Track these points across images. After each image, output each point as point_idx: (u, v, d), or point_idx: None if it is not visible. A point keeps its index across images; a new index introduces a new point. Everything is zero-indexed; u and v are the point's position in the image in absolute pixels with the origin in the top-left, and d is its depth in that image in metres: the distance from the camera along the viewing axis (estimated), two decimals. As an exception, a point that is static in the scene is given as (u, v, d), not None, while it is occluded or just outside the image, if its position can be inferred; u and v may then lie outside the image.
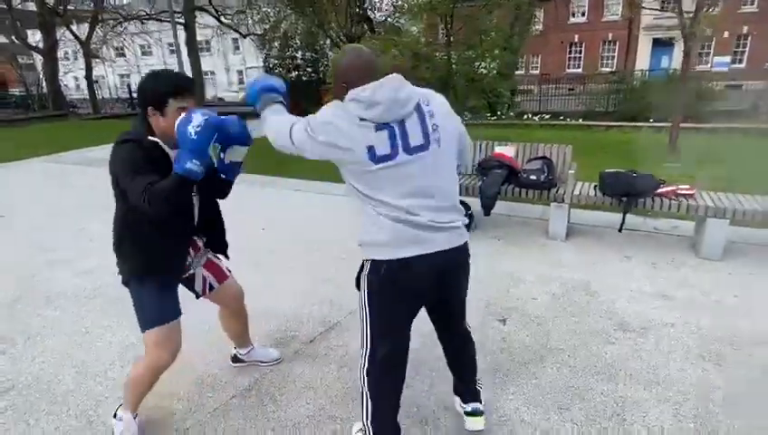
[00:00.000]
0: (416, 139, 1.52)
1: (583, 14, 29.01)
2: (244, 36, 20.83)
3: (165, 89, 1.67)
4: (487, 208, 4.20)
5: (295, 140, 1.59)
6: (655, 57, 27.70)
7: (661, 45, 27.87)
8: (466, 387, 2.00)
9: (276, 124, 1.69)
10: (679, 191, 3.78)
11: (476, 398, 1.98)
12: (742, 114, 13.00)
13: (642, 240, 4.07)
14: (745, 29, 26.19)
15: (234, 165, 1.89)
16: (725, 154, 7.58)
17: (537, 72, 27.12)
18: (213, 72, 37.01)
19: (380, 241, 1.56)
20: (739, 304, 2.98)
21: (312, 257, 3.87)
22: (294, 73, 16.73)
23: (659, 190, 3.80)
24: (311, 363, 2.52)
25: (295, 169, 6.39)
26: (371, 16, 13.78)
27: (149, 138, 1.70)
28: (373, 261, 1.61)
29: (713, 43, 27.43)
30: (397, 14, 14.15)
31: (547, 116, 13.89)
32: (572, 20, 28.89)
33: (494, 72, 13.34)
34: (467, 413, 1.98)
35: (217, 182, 1.91)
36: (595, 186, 4.13)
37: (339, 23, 10.00)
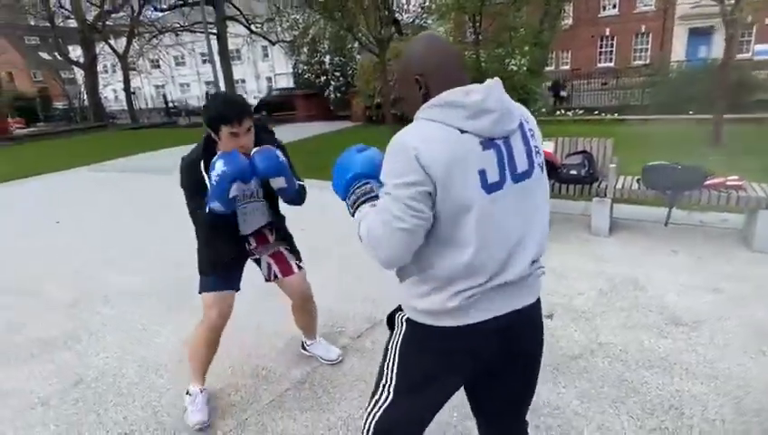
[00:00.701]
0: (522, 163, 1.14)
1: (614, 6, 28.32)
2: (274, 43, 21.22)
3: (216, 117, 1.81)
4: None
5: (395, 232, 1.09)
6: (692, 47, 26.75)
7: (699, 34, 26.86)
8: None
9: (371, 228, 1.14)
10: (728, 183, 3.66)
11: None
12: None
13: (689, 234, 3.95)
14: (787, 15, 24.96)
15: (280, 190, 1.98)
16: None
17: (567, 67, 26.65)
18: (243, 80, 37.93)
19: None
20: None
21: (352, 257, 3.93)
22: (323, 78, 16.94)
23: (708, 182, 3.69)
24: (359, 358, 2.57)
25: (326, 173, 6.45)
26: (399, 18, 13.84)
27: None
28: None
29: (753, 30, 26.30)
30: (424, 15, 14.18)
31: (580, 111, 13.59)
32: (603, 13, 28.23)
33: (525, 68, 13.19)
34: None
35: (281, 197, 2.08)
36: (638, 179, 4.04)
37: (368, 25, 10.07)
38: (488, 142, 1.08)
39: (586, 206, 4.50)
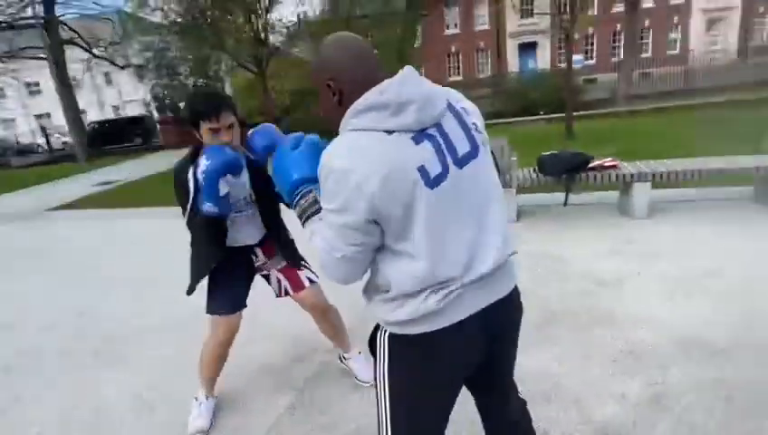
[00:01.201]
0: (462, 145, 1.07)
1: (456, 26, 31.40)
2: (123, 68, 19.35)
3: (194, 113, 1.76)
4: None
5: (335, 260, 1.08)
6: (522, 59, 30.84)
7: (526, 49, 31.12)
8: None
9: (320, 251, 1.11)
10: (606, 164, 4.34)
11: None
12: (607, 102, 15.07)
13: (583, 211, 4.58)
14: (591, 30, 30.27)
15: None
16: (611, 134, 8.78)
17: (424, 81, 28.80)
18: (84, 111, 33.73)
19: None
20: (678, 249, 3.51)
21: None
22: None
23: (591, 165, 4.33)
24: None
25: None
26: (269, 40, 13.74)
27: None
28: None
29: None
30: (293, 40, 14.24)
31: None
32: (448, 31, 31.13)
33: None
34: None
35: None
36: (534, 169, 4.58)
37: (241, 43, 9.82)
38: (420, 135, 1.02)
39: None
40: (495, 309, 1.14)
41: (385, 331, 1.17)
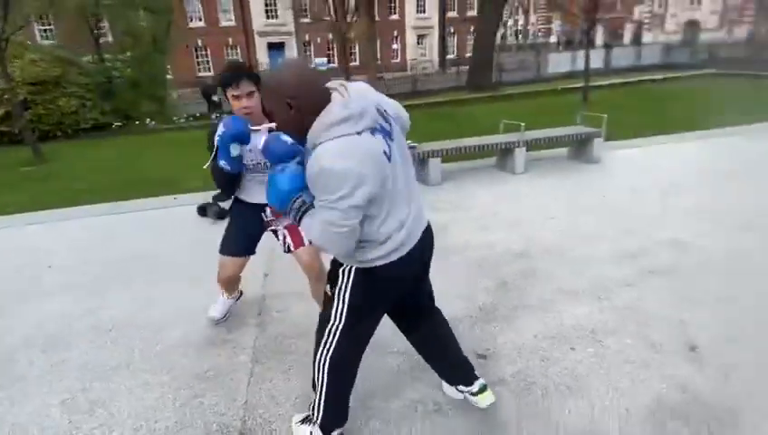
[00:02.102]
0: (385, 125, 1.49)
1: (201, 19, 30.03)
2: None
3: (221, 80, 2.08)
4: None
5: (340, 235, 1.42)
6: (272, 59, 31.77)
7: (275, 48, 32.15)
8: (465, 368, 1.99)
9: (320, 234, 1.46)
10: (408, 146, 5.50)
11: (475, 374, 2.00)
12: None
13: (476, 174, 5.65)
14: (330, 36, 33.35)
15: None
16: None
17: (170, 77, 26.68)
18: None
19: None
20: (554, 191, 4.89)
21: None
22: None
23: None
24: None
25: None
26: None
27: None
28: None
29: (311, 46, 33.59)
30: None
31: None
32: (192, 24, 29.48)
33: (155, 75, 12.89)
34: (477, 392, 1.96)
35: None
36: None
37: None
38: (373, 130, 1.42)
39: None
40: (424, 237, 1.65)
41: (348, 265, 1.61)
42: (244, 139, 2.04)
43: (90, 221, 4.89)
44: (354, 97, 1.41)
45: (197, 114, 14.64)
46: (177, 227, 4.58)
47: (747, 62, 21.49)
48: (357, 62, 33.48)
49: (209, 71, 30.38)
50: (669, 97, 12.43)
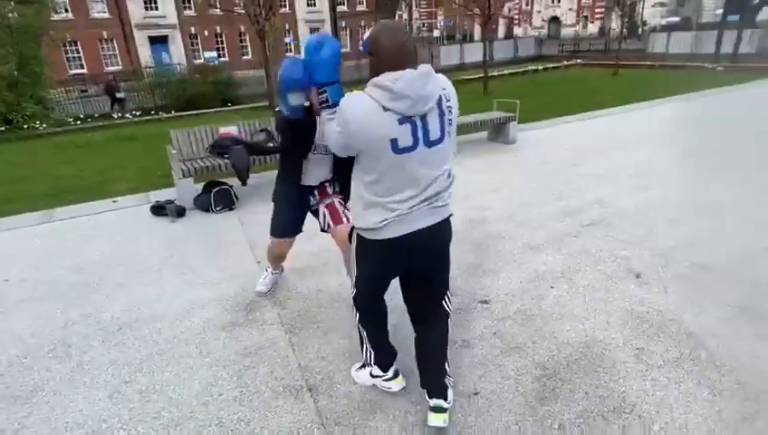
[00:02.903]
0: (435, 133, 1.59)
1: (67, 10, 26.89)
2: None
3: None
4: (243, 180, 4.90)
5: (339, 145, 1.66)
6: (155, 53, 29.48)
7: (157, 42, 29.87)
8: (436, 382, 1.95)
9: (329, 130, 1.72)
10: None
11: (439, 394, 1.93)
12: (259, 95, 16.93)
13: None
14: (218, 28, 31.82)
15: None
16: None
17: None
18: None
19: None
20: (487, 168, 5.32)
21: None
22: None
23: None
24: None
25: None
26: None
27: None
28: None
29: (198, 39, 31.80)
30: None
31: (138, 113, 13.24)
32: (56, 16, 26.22)
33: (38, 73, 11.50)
34: (431, 408, 1.93)
35: None
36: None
37: None
38: (404, 119, 1.53)
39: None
40: (421, 237, 1.71)
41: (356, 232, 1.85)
42: (293, 84, 1.93)
43: (27, 231, 4.49)
44: (409, 80, 1.50)
45: (81, 116, 13.37)
46: (137, 228, 4.41)
47: (604, 52, 24.87)
48: (249, 56, 32.53)
49: (82, 67, 27.41)
50: (553, 84, 14.13)
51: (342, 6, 38.03)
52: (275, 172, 2.62)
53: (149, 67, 22.17)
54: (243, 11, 9.63)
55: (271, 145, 4.95)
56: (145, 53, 29.11)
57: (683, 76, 14.21)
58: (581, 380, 2.18)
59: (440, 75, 1.63)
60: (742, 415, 1.93)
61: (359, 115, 1.55)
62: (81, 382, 2.36)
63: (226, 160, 4.89)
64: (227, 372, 2.37)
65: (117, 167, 6.90)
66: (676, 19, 37.58)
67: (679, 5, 41.29)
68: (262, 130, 5.19)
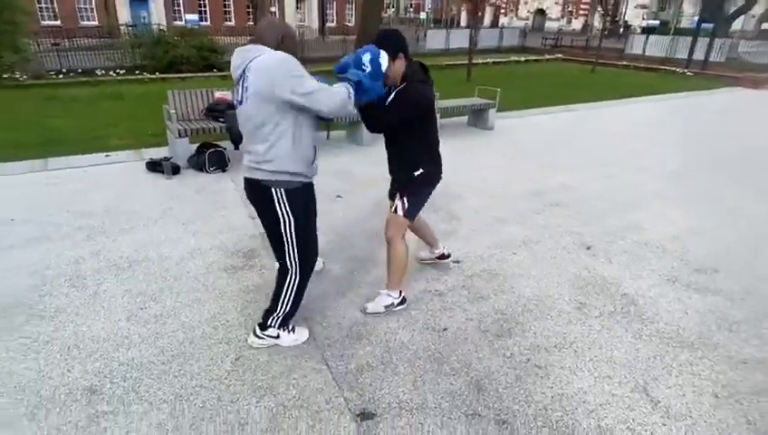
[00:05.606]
0: (242, 96, 1.97)
1: (41, -42, 25.66)
2: None
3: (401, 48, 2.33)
4: (237, 144, 5.16)
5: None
6: (134, 11, 28.55)
7: (138, 1, 28.90)
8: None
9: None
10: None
11: (259, 324, 2.36)
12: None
13: (454, 130, 6.23)
14: (202, -9, 30.88)
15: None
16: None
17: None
18: None
19: None
20: (467, 150, 5.68)
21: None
22: None
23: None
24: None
25: None
26: None
27: None
28: None
29: (181, 1, 30.89)
30: None
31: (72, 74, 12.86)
32: (30, -38, 25.02)
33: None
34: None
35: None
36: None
37: None
38: (237, 81, 1.98)
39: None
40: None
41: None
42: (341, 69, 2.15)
43: (24, 178, 4.66)
44: (237, 53, 1.99)
45: (64, 70, 13.07)
46: (135, 182, 4.64)
47: (584, 49, 25.51)
48: (233, 22, 31.81)
49: (55, 18, 26.34)
50: (533, 76, 14.59)
51: (331, -21, 37.40)
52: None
53: (130, 26, 21.51)
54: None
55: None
56: (123, 11, 28.14)
57: (655, 78, 14.93)
58: (532, 323, 2.64)
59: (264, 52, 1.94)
60: (654, 353, 2.42)
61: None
62: (100, 307, 2.68)
63: (221, 124, 5.15)
64: (235, 305, 2.72)
65: (107, 124, 6.98)
66: (656, 22, 38.63)
67: (660, 9, 42.41)
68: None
